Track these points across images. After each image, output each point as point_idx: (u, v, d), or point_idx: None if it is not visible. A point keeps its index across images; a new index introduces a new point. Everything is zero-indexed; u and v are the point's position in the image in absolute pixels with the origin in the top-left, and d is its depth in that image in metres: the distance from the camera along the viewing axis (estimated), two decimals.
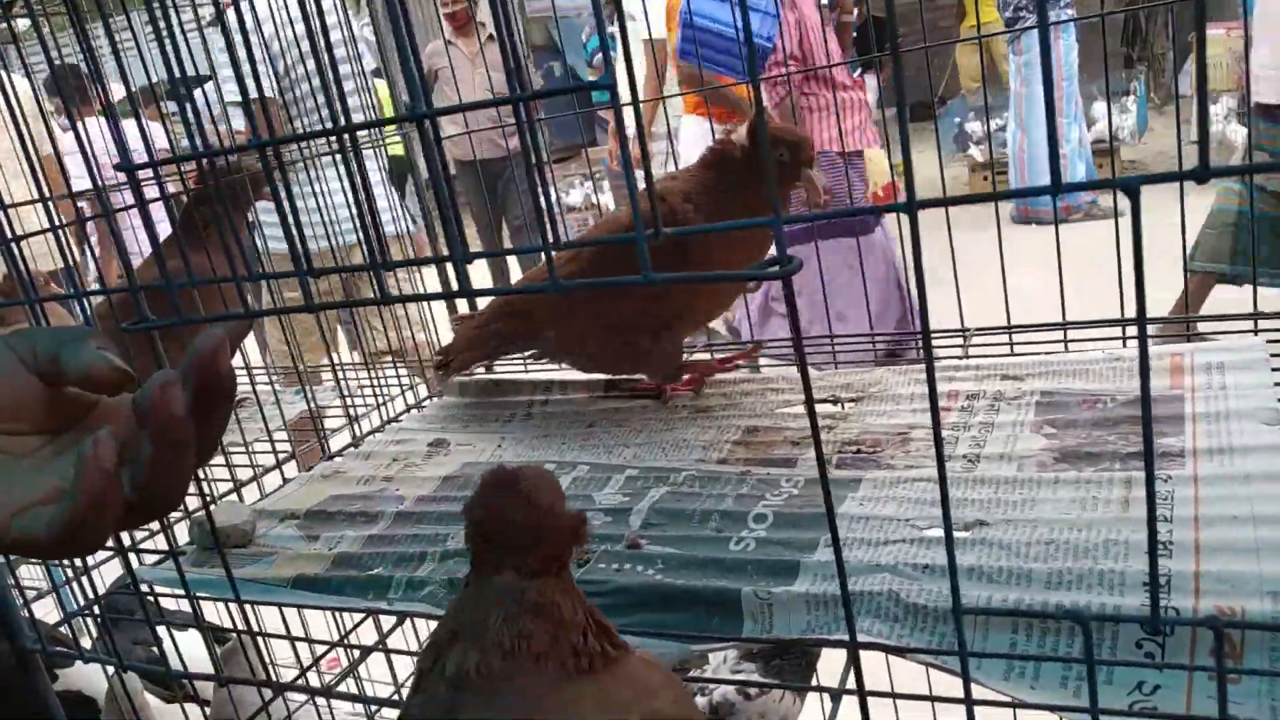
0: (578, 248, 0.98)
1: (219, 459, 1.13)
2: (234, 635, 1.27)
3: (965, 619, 0.63)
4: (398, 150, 2.94)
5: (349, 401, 1.26)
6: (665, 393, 1.12)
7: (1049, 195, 0.39)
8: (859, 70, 5.55)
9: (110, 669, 1.23)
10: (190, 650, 1.43)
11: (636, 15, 3.78)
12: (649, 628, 0.69)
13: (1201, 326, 1.12)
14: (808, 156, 0.98)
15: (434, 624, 1.13)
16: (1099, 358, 1.01)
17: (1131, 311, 1.11)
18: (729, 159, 1.00)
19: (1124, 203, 0.42)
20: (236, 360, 1.43)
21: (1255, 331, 1.06)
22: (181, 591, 0.86)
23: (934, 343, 1.20)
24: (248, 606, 0.72)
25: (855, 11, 2.93)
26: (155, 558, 0.93)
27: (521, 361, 1.30)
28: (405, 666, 1.28)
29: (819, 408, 1.04)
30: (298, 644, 1.21)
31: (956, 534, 0.72)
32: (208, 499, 1.04)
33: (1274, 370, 0.90)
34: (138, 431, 0.49)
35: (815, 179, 0.99)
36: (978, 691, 0.54)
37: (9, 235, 0.71)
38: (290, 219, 0.56)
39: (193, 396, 0.53)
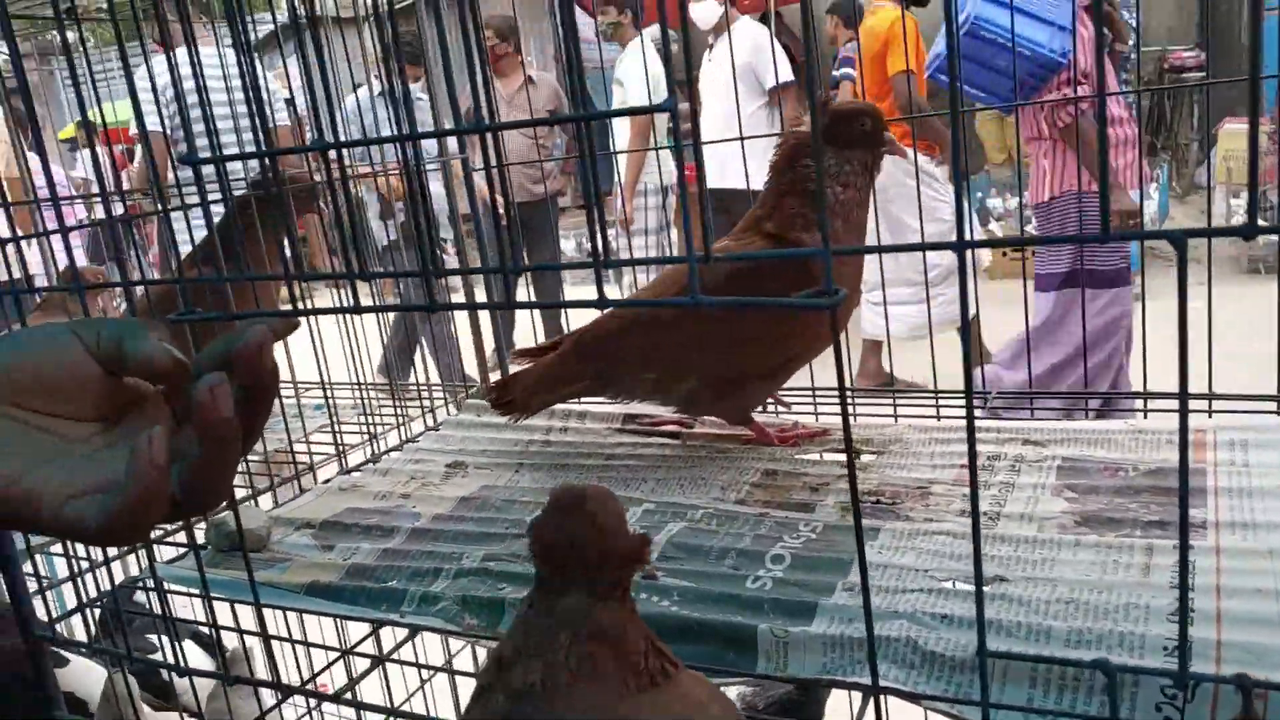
0: (732, 261, 0.94)
1: (239, 465, 1.13)
2: (236, 645, 1.27)
3: (978, 670, 0.63)
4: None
5: (369, 419, 1.27)
6: (767, 436, 1.09)
7: (1101, 241, 0.40)
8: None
9: (106, 669, 1.23)
10: (191, 661, 1.43)
11: (625, 81, 3.85)
12: None
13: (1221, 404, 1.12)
14: (885, 121, 1.02)
15: (444, 639, 1.13)
16: (1120, 428, 1.01)
17: (1155, 383, 1.12)
18: (806, 149, 1.01)
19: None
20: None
21: (1278, 413, 1.06)
22: (196, 591, 0.86)
23: (953, 403, 1.20)
24: (260, 613, 0.72)
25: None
26: (171, 554, 0.93)
27: None
28: (410, 681, 1.28)
29: (838, 458, 1.04)
30: (299, 657, 1.21)
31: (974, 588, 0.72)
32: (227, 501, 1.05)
33: None
34: (185, 430, 0.51)
35: (894, 140, 1.03)
36: None
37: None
38: (344, 222, 0.57)
39: (238, 391, 0.54)
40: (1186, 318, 0.44)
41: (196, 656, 1.60)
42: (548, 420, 1.23)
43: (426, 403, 1.33)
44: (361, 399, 1.26)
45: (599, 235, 0.49)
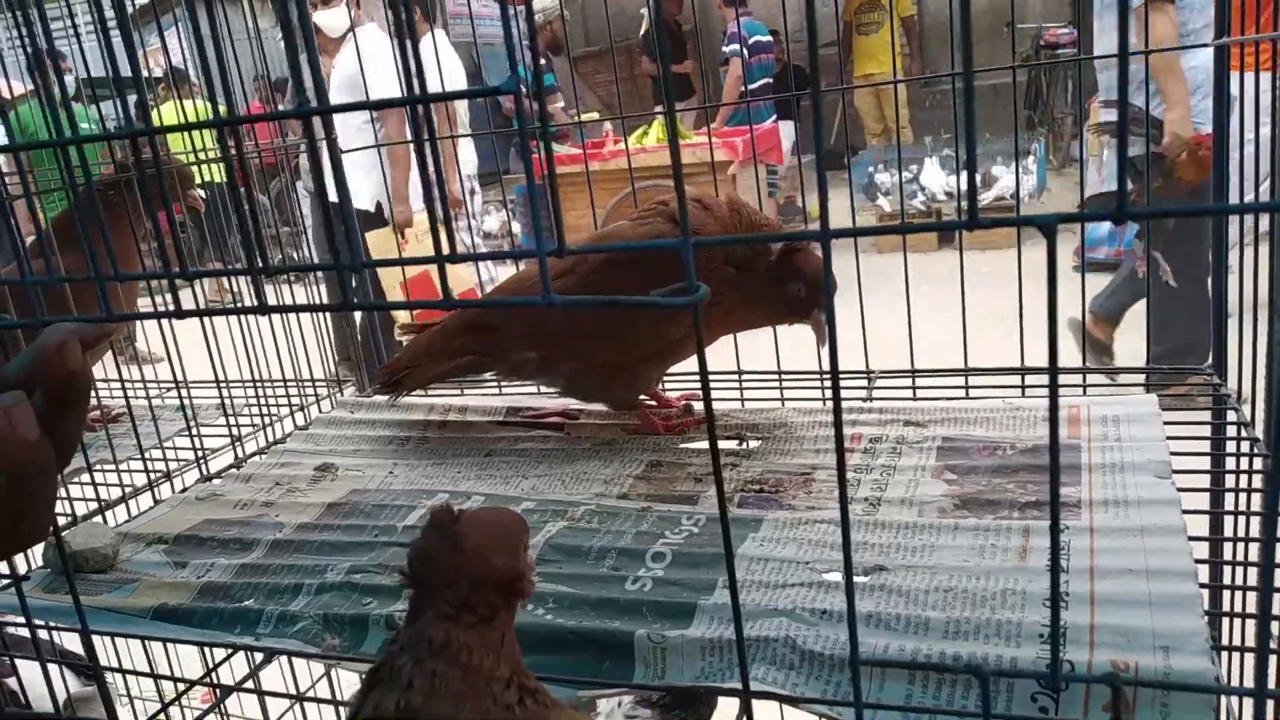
0: (583, 254, 0.92)
1: (84, 477, 1.05)
2: (80, 687, 1.18)
3: (862, 668, 0.61)
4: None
5: (233, 420, 1.19)
6: (653, 425, 1.06)
7: (963, 229, 0.38)
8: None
9: None
10: (68, 685, 1.32)
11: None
12: (536, 671, 0.65)
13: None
14: (819, 298, 0.96)
15: (308, 663, 1.07)
16: (999, 406, 1.01)
17: (1034, 357, 1.13)
18: (754, 264, 0.96)
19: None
20: (103, 370, 1.35)
21: (1147, 387, 1.09)
22: (38, 619, 0.79)
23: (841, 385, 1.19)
24: (88, 641, 0.66)
25: None
26: (2, 582, 0.85)
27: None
28: (275, 707, 1.21)
29: (723, 444, 1.02)
30: (160, 679, 1.13)
31: (856, 579, 0.70)
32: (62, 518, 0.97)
33: (1165, 424, 0.92)
34: None
35: (820, 320, 0.97)
36: None
37: None
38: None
39: (44, 398, 0.49)
40: (1056, 302, 0.42)
41: (72, 681, 1.50)
42: (426, 415, 1.18)
43: (296, 400, 1.26)
44: (223, 398, 1.18)
45: (440, 228, 0.45)
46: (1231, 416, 0.98)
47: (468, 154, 3.65)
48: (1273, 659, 0.80)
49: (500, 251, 0.45)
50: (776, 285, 0.96)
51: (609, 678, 0.65)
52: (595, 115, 5.72)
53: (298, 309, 0.48)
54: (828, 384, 1.19)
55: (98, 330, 0.55)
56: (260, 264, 0.49)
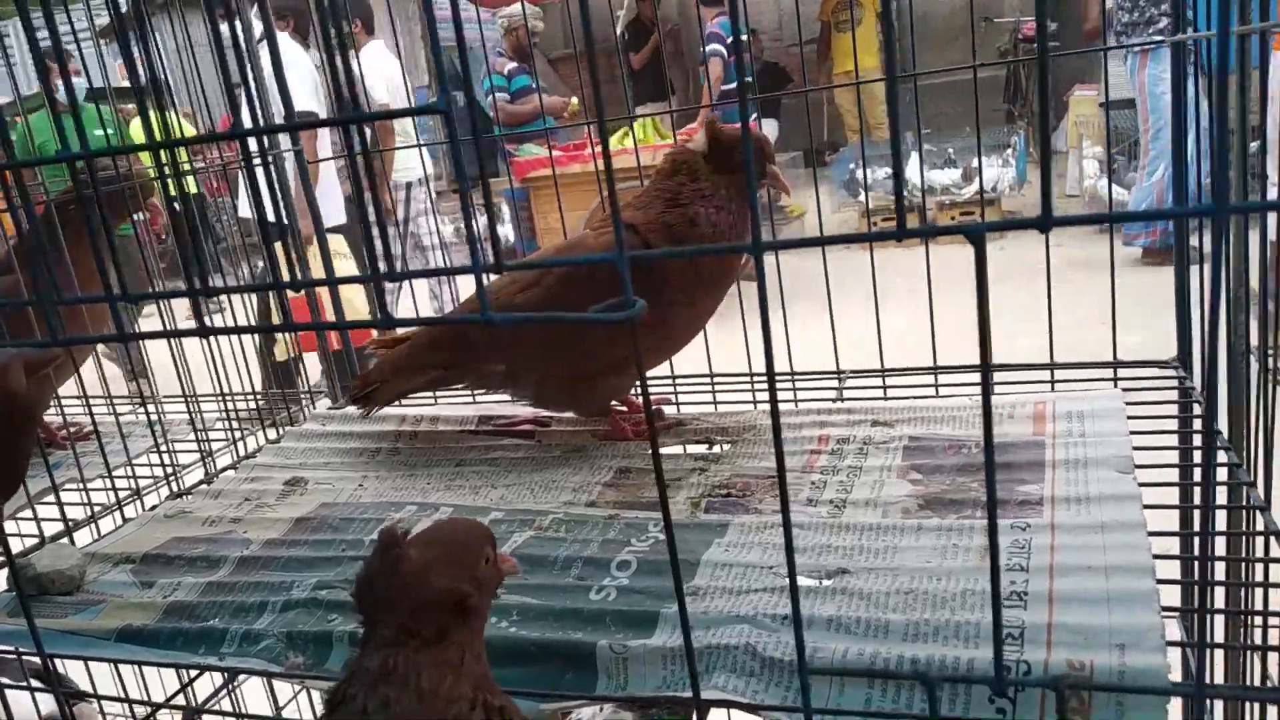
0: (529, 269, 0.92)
1: (50, 497, 1.04)
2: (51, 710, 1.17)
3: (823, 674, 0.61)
4: None
5: (203, 436, 1.19)
6: (622, 430, 1.07)
7: (895, 239, 0.38)
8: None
9: None
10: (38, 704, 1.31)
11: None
12: (500, 683, 0.65)
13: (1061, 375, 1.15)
14: (769, 154, 1.01)
15: (268, 684, 1.06)
16: (965, 404, 1.02)
17: (1006, 352, 1.14)
18: (690, 166, 0.99)
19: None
20: (76, 389, 1.34)
21: (1115, 381, 1.09)
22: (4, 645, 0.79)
23: (809, 383, 1.20)
24: (47, 664, 0.65)
25: None
26: None
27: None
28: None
29: (693, 449, 1.02)
30: (132, 693, 1.13)
31: (819, 583, 0.70)
32: (9, 541, 0.96)
33: (1130, 419, 0.92)
34: None
35: (778, 174, 1.01)
36: None
37: None
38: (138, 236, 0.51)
39: None
40: (987, 317, 0.42)
41: (48, 704, 1.49)
42: (398, 425, 1.17)
43: (268, 416, 1.25)
44: (191, 415, 1.18)
45: (379, 246, 0.45)
46: (1197, 410, 0.98)
47: (410, 161, 3.60)
48: (1249, 655, 0.81)
49: (435, 269, 0.45)
50: (728, 164, 0.98)
51: (571, 689, 0.65)
52: (575, 101, 5.68)
53: (236, 330, 0.48)
54: (800, 384, 1.19)
55: (44, 355, 0.55)
56: (200, 285, 0.49)
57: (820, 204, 1.37)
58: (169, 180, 0.45)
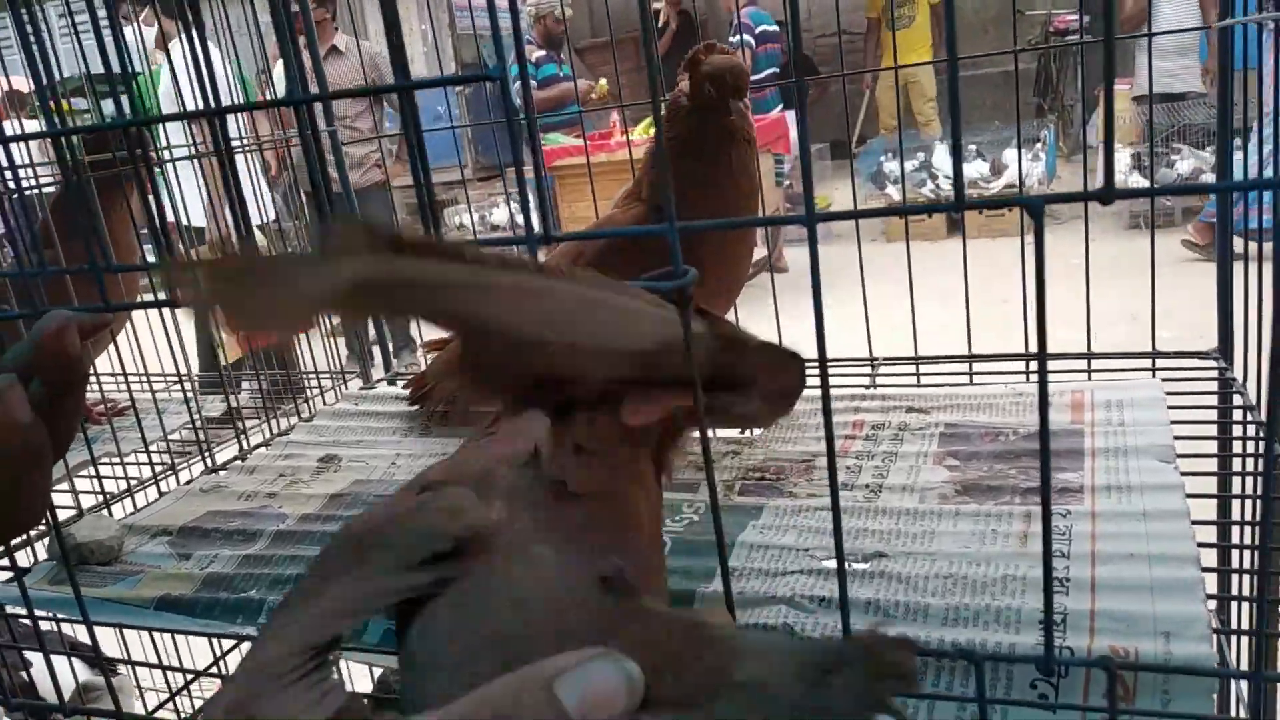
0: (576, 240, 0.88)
1: (89, 470, 1.05)
2: (89, 675, 1.19)
3: None
4: None
5: (238, 413, 1.20)
6: None
7: (952, 211, 0.38)
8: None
9: None
10: (76, 677, 1.33)
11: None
12: None
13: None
14: (732, 87, 0.89)
15: None
16: (1002, 392, 1.01)
17: (1035, 346, 1.13)
18: (679, 115, 0.92)
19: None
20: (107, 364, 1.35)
21: (1153, 372, 1.08)
22: (43, 611, 0.80)
23: (842, 371, 1.19)
24: (92, 632, 0.66)
25: None
26: (5, 575, 0.86)
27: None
28: None
29: (725, 433, 1.02)
30: (169, 670, 1.14)
31: (855, 566, 0.70)
32: (56, 511, 0.98)
33: (1170, 409, 0.91)
34: None
35: (740, 109, 0.90)
36: None
37: None
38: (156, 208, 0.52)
39: (40, 384, 0.49)
40: (1044, 289, 0.42)
41: (83, 671, 1.51)
42: (429, 406, 1.18)
43: (302, 393, 1.26)
44: (226, 392, 1.19)
45: (429, 216, 0.45)
46: (1238, 400, 0.97)
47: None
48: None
49: (491, 238, 0.45)
50: (704, 108, 0.90)
51: None
52: (603, 83, 5.66)
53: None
54: (832, 371, 1.18)
55: (96, 320, 0.55)
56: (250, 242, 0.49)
57: (855, 193, 1.36)
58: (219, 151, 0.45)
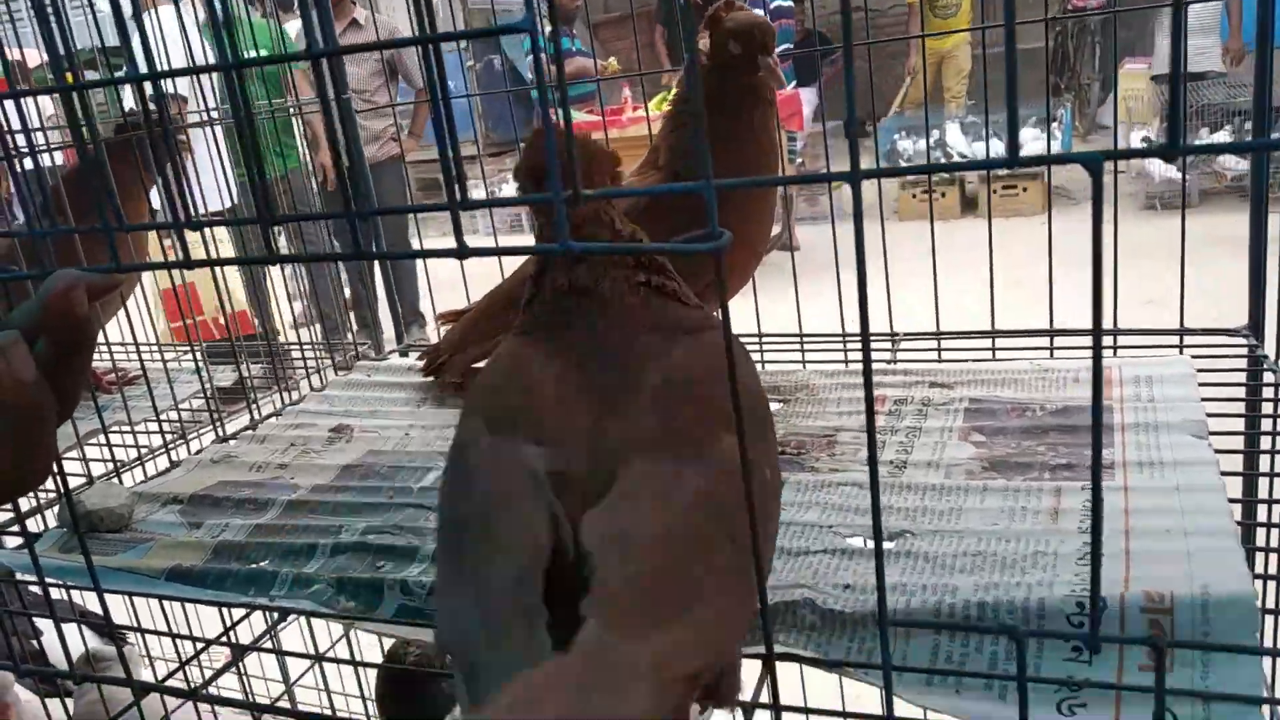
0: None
1: (100, 438, 1.04)
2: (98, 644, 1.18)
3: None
4: None
5: (250, 382, 1.18)
6: None
7: (1005, 166, 0.36)
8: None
9: None
10: (85, 645, 1.33)
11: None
12: None
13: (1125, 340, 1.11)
14: (760, 43, 0.87)
15: (327, 623, 1.06)
16: (1027, 368, 0.99)
17: (1060, 322, 1.11)
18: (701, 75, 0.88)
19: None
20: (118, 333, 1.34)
21: (1180, 349, 1.06)
22: (51, 580, 0.79)
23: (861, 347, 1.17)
24: (103, 600, 0.65)
25: None
26: (16, 541, 0.85)
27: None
28: (296, 667, 1.21)
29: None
30: (179, 638, 1.13)
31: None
32: (67, 478, 0.97)
33: (1201, 385, 0.89)
34: None
35: (774, 66, 0.88)
36: (898, 704, 0.50)
37: None
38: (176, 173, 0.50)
39: (47, 343, 0.48)
40: (1101, 248, 0.40)
41: (92, 639, 1.51)
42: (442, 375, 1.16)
43: (312, 363, 1.25)
44: (238, 361, 1.17)
45: (454, 178, 0.43)
46: (1269, 378, 0.95)
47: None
48: None
49: (517, 198, 0.43)
50: (724, 67, 0.88)
51: None
52: (613, 61, 5.61)
53: (308, 258, 0.47)
54: (852, 346, 1.16)
55: (106, 280, 0.54)
56: (269, 213, 0.48)
57: (879, 159, 1.33)
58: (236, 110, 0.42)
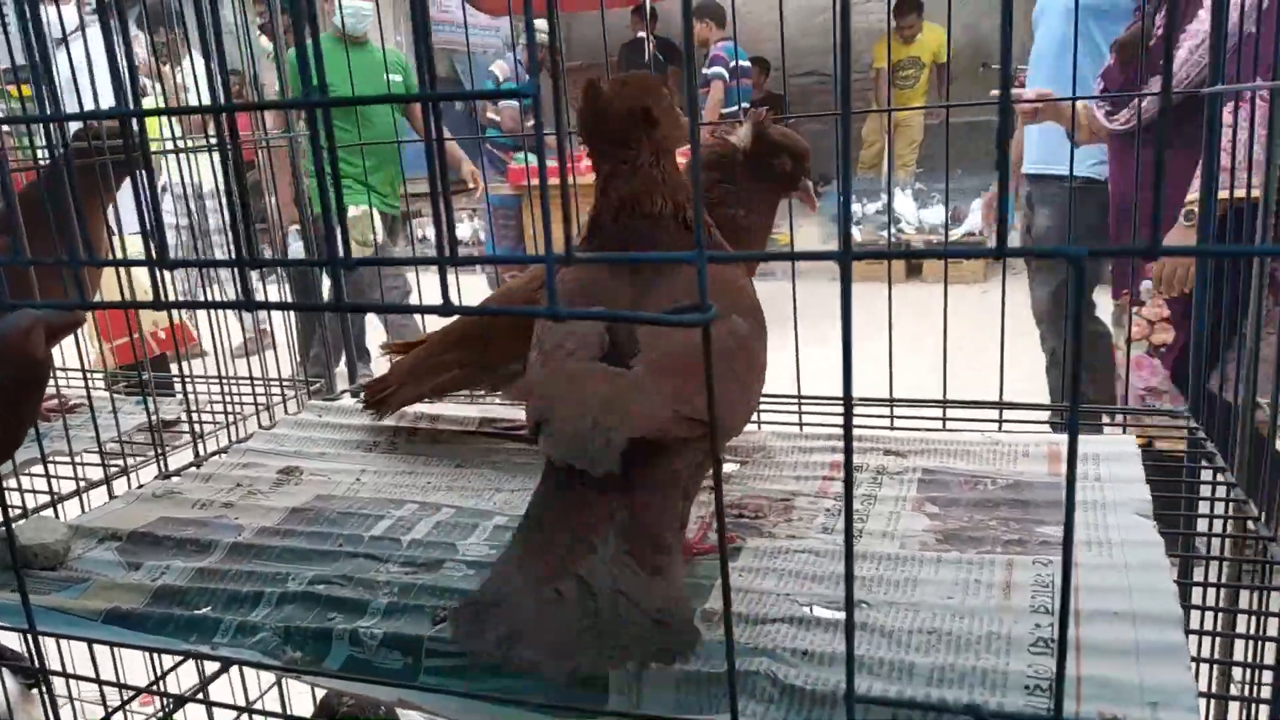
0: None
1: (38, 469, 1.01)
2: (16, 686, 1.13)
3: (840, 707, 0.60)
4: None
5: (195, 416, 1.16)
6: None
7: (994, 256, 0.37)
8: None
9: None
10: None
11: None
12: (509, 693, 0.63)
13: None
14: (807, 167, 0.99)
15: (264, 674, 1.03)
16: (978, 440, 1.01)
17: (1012, 395, 1.13)
18: (727, 160, 0.97)
19: None
20: (61, 359, 1.30)
21: (1124, 429, 1.09)
22: None
23: (817, 409, 1.18)
24: (33, 642, 0.62)
25: None
26: None
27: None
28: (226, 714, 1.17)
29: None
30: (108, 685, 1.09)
31: (836, 614, 0.68)
32: (9, 510, 0.93)
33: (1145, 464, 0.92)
34: None
35: (810, 189, 1.00)
36: None
37: None
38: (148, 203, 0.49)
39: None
40: (1081, 336, 0.41)
41: (11, 683, 1.44)
42: (396, 421, 1.15)
43: (262, 399, 1.22)
44: (185, 394, 1.14)
45: (445, 230, 0.43)
46: (1206, 461, 0.98)
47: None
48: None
49: (509, 255, 0.43)
50: (763, 170, 0.98)
51: (582, 704, 0.63)
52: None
53: (284, 306, 0.46)
54: (806, 409, 1.18)
55: (66, 319, 0.53)
56: (249, 256, 0.47)
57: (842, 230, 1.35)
58: (223, 149, 0.42)
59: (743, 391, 0.72)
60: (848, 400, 0.42)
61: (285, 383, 1.29)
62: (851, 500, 0.41)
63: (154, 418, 1.10)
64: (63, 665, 1.10)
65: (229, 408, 1.18)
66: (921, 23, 6.96)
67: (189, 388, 1.18)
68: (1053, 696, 0.39)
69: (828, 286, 1.03)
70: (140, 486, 1.02)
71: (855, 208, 6.73)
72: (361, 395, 1.10)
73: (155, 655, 1.00)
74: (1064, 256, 0.37)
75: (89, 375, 1.19)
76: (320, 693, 1.32)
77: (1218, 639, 0.90)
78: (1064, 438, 1.00)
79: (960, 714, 0.47)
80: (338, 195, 0.48)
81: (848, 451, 0.41)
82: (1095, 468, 0.91)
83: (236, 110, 0.42)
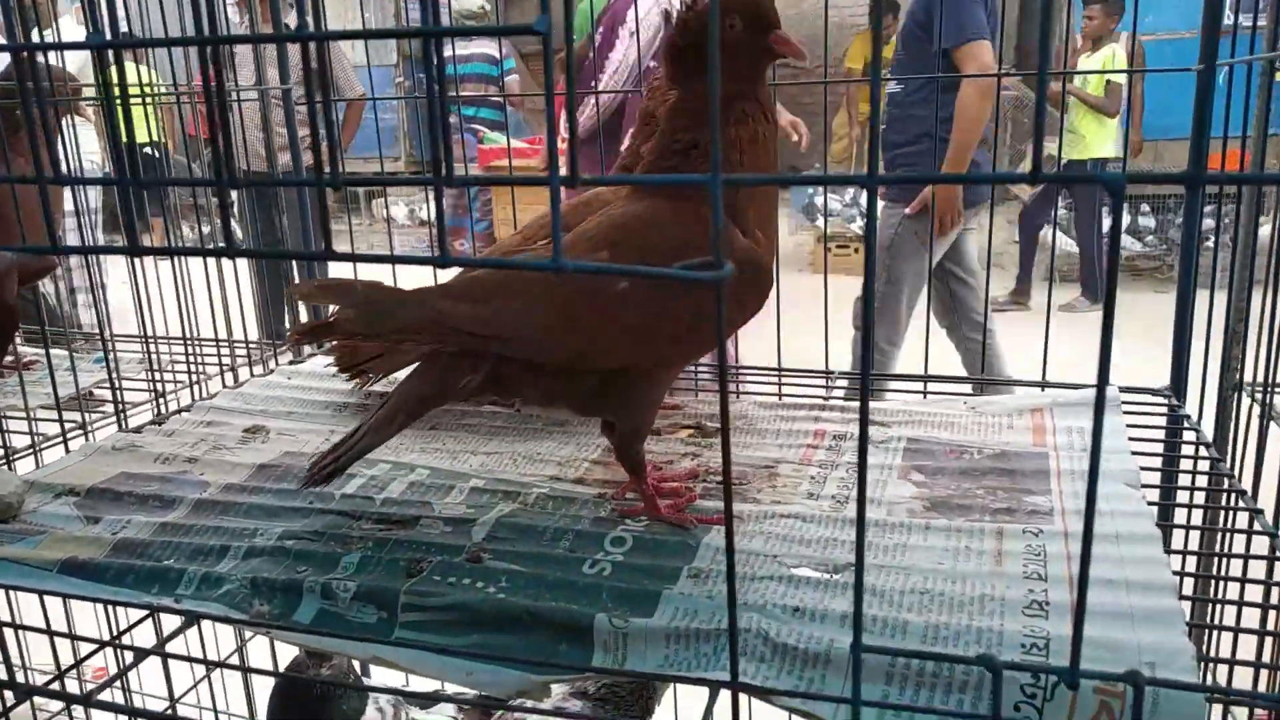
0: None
1: None
2: None
3: (834, 665, 0.58)
4: None
5: (156, 375, 1.11)
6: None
7: (1030, 182, 0.35)
8: None
9: None
10: None
11: None
12: (488, 650, 0.61)
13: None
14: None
15: (229, 629, 0.99)
16: (961, 410, 1.00)
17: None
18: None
19: None
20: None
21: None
22: None
23: (799, 381, 1.17)
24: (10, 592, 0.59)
25: None
26: None
27: None
28: (185, 677, 1.13)
29: (684, 433, 0.98)
30: (59, 642, 1.05)
31: (830, 577, 0.67)
32: None
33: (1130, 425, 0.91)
34: None
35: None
36: None
37: None
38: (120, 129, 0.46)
39: None
40: (1115, 278, 0.39)
41: None
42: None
43: (227, 360, 1.18)
44: (147, 351, 1.10)
45: (441, 150, 0.40)
46: (1189, 436, 0.97)
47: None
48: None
49: (501, 178, 0.41)
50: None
51: (566, 660, 0.60)
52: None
53: (266, 255, 0.43)
54: (786, 380, 1.16)
55: (41, 263, 0.49)
56: (230, 178, 0.44)
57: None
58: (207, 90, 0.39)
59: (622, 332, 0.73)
60: (865, 374, 0.40)
61: (252, 345, 1.25)
62: (866, 448, 0.39)
63: (114, 374, 1.06)
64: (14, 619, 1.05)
65: (193, 369, 1.14)
66: (896, 24, 6.98)
67: (151, 348, 1.14)
68: (1070, 655, 0.38)
69: (796, 279, 1.01)
70: (98, 441, 0.98)
71: (821, 199, 6.74)
72: (335, 359, 1.05)
73: (112, 610, 0.96)
74: (1102, 183, 0.36)
75: (47, 331, 1.14)
76: (283, 662, 1.29)
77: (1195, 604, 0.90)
78: (1047, 400, 1.00)
79: (973, 664, 0.46)
80: (330, 134, 0.45)
81: (863, 425, 0.39)
82: (1081, 438, 0.90)
83: (223, 43, 0.39)
